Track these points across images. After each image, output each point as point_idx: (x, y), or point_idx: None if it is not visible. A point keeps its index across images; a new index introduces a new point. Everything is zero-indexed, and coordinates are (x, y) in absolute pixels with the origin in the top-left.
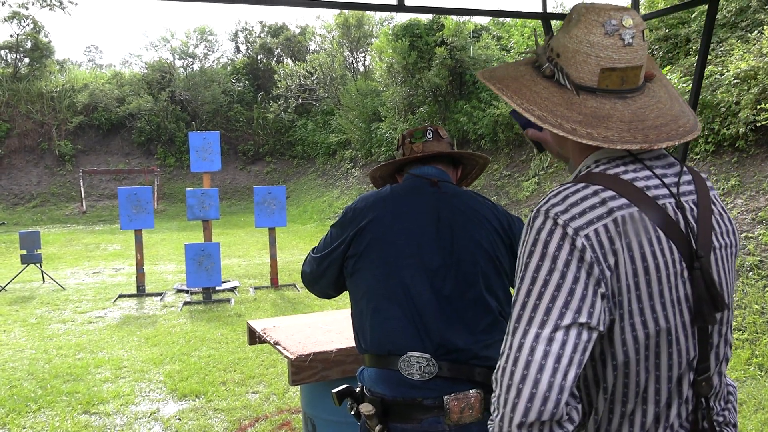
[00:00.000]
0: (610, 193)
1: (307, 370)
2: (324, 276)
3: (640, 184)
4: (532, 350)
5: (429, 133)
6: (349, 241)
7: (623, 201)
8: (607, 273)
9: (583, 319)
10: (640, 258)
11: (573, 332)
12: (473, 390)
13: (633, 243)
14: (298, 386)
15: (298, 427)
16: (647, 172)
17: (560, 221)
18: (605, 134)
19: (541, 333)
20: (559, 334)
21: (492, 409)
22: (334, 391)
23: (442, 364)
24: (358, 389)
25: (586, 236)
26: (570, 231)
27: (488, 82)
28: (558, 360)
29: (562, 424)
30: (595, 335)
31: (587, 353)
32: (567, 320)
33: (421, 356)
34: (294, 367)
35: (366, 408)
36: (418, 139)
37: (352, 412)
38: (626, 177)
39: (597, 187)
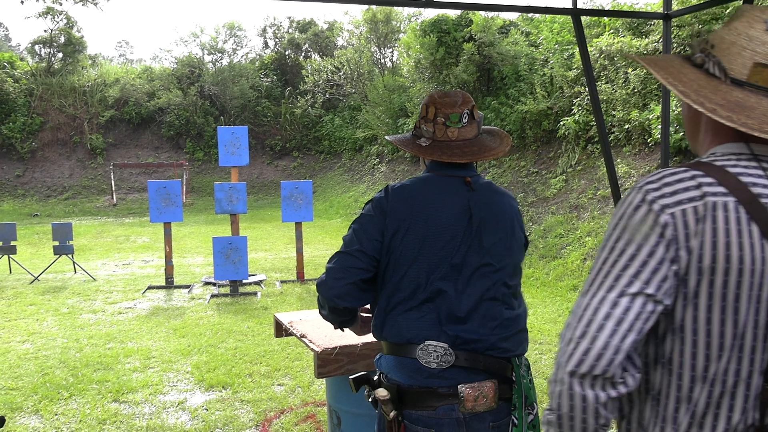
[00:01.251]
0: (709, 179)
1: (333, 363)
2: (364, 271)
3: (745, 179)
4: (596, 311)
5: (465, 118)
6: (390, 233)
7: (721, 189)
8: (683, 254)
9: (650, 290)
10: (724, 246)
11: (638, 300)
12: (488, 380)
13: (719, 230)
14: (324, 379)
15: (323, 420)
16: (759, 171)
17: (649, 197)
18: (745, 120)
19: (607, 296)
20: (624, 300)
21: (554, 364)
22: (351, 377)
23: (459, 354)
24: (375, 377)
25: (672, 214)
26: (656, 207)
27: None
28: (618, 323)
29: (615, 384)
30: (659, 308)
31: (649, 323)
32: (634, 288)
33: (439, 345)
34: (320, 360)
35: (381, 393)
36: (454, 125)
37: (370, 399)
38: (733, 170)
39: (697, 172)
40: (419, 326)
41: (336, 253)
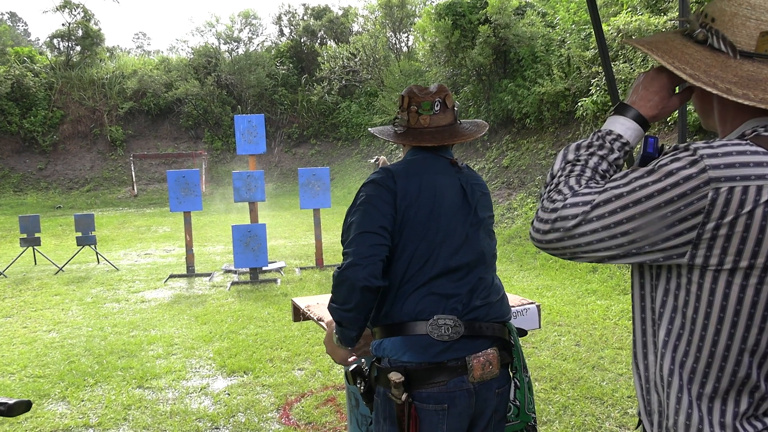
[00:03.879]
0: None
1: None
2: (381, 251)
3: None
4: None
5: (437, 106)
6: (399, 210)
7: None
8: (721, 231)
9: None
10: None
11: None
12: (491, 348)
13: None
14: None
15: (343, 403)
16: None
17: (703, 164)
18: (762, 96)
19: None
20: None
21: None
22: (350, 369)
23: (466, 324)
24: (365, 366)
25: (716, 189)
26: (705, 177)
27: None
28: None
29: None
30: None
31: None
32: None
33: (448, 318)
34: None
35: (396, 376)
36: (426, 112)
37: (362, 391)
38: None
39: (761, 149)
40: (427, 302)
41: (354, 236)
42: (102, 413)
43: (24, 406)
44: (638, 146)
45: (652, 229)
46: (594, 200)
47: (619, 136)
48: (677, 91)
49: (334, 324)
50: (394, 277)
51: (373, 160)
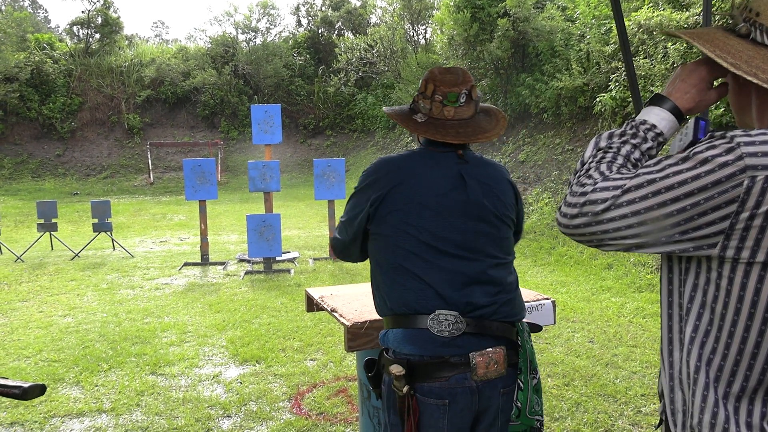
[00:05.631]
0: None
1: (363, 337)
2: (354, 242)
3: None
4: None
5: (462, 98)
6: (375, 203)
7: None
8: (755, 221)
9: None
10: None
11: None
12: (497, 346)
13: None
14: (355, 355)
15: (354, 394)
16: None
17: (740, 151)
18: None
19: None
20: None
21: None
22: (367, 358)
23: (468, 321)
24: (376, 356)
25: (752, 178)
26: (741, 164)
27: (678, 34)
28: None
29: None
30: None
31: None
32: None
33: (449, 314)
34: (350, 334)
35: (396, 369)
36: (451, 104)
37: (369, 375)
38: None
39: None
40: (426, 296)
41: (340, 221)
42: (115, 399)
43: (38, 390)
44: (674, 134)
45: (684, 216)
46: (625, 185)
47: (653, 126)
48: (715, 86)
49: None
50: (383, 271)
51: None
